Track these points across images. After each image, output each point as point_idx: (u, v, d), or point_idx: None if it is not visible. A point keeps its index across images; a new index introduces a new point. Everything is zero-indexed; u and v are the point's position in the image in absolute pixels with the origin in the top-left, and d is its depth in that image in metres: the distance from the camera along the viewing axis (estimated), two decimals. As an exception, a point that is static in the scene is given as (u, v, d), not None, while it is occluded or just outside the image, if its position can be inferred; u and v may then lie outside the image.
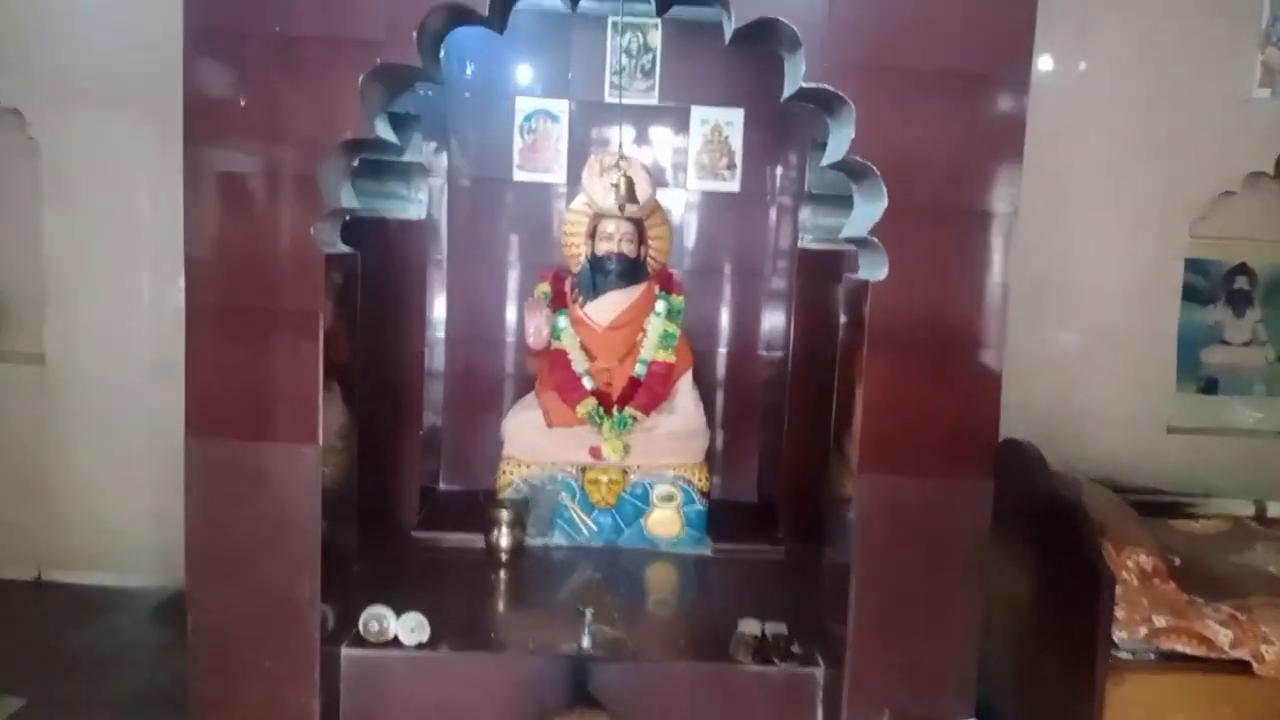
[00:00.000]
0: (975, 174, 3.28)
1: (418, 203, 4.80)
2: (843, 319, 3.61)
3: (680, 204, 5.41)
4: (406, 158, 4.67)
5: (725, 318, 5.53)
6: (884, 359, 3.35)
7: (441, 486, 5.42)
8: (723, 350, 5.53)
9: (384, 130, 3.44)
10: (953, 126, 3.24)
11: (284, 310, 3.35)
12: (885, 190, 3.22)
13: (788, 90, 3.41)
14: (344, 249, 3.54)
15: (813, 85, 3.22)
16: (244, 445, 3.35)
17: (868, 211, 3.40)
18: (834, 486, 3.60)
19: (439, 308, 5.34)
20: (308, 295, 3.33)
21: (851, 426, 3.42)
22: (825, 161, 3.48)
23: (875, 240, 3.31)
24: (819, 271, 4.76)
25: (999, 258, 3.35)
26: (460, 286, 5.39)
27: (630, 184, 4.44)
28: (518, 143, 5.33)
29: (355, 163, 3.53)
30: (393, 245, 4.79)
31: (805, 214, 4.81)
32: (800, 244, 4.80)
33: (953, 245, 3.35)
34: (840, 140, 3.38)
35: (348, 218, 3.55)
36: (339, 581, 3.58)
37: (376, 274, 4.26)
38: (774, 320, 5.36)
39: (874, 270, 3.39)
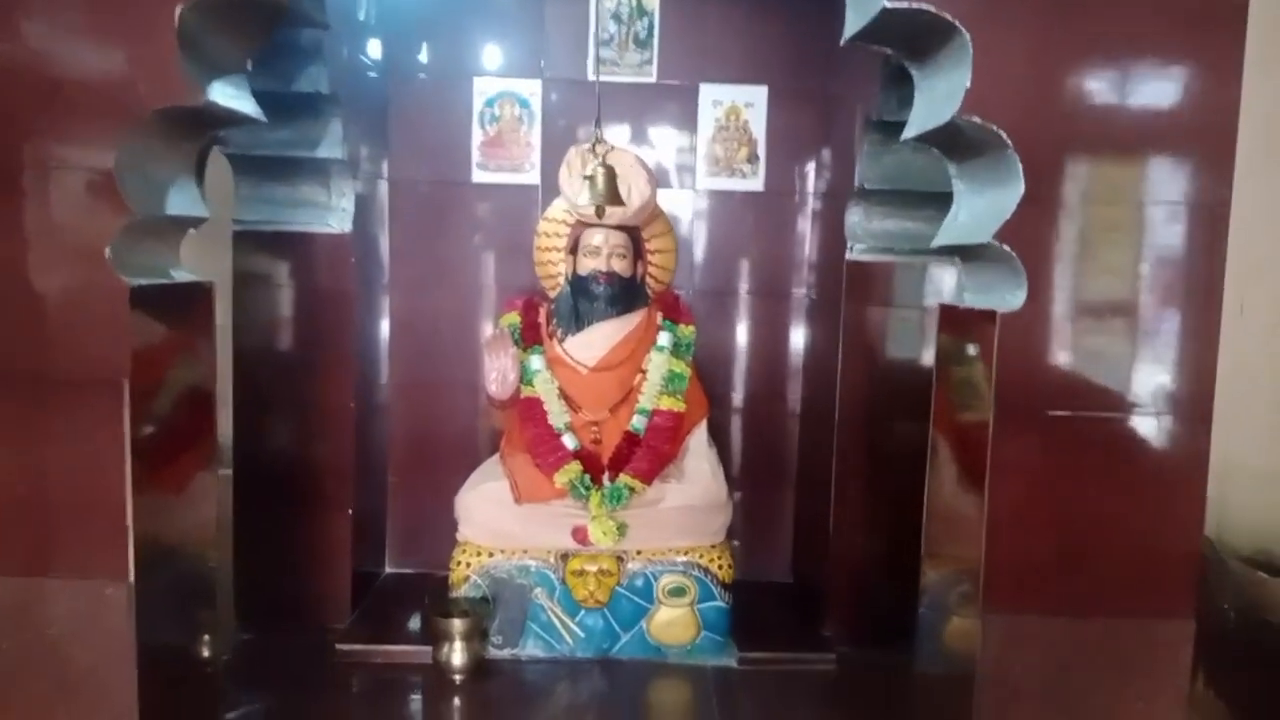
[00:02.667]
0: (1171, 143, 2.39)
1: (340, 212, 4.07)
2: (938, 368, 2.78)
3: (687, 209, 4.83)
4: (322, 153, 3.96)
5: (746, 353, 4.95)
6: (1023, 439, 2.44)
7: (388, 570, 4.87)
8: (738, 393, 4.96)
9: (232, 96, 2.47)
10: (1138, 67, 2.39)
11: (66, 378, 2.38)
12: (1020, 170, 2.30)
13: (851, 27, 2.62)
14: (186, 276, 2.65)
15: (902, 5, 2.31)
16: (14, 584, 2.47)
17: (984, 205, 2.49)
18: (935, 601, 2.86)
19: (381, 347, 4.76)
20: (105, 353, 2.36)
21: (953, 527, 2.67)
22: (911, 131, 2.64)
23: (1002, 249, 2.35)
24: (873, 292, 4.14)
25: (1208, 275, 2.40)
26: (407, 319, 4.82)
27: (611, 176, 3.58)
28: (477, 135, 4.73)
29: (196, 151, 2.64)
30: (310, 268, 4.12)
31: (855, 216, 4.09)
32: (849, 256, 4.11)
33: (1132, 256, 2.41)
34: (936, 98, 2.48)
35: (235, 230, 2.71)
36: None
37: (285, 306, 4.04)
38: (811, 355, 4.78)
39: (996, 296, 2.49)
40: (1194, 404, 2.45)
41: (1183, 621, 2.49)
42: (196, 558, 2.81)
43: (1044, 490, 2.45)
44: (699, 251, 4.85)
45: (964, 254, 2.57)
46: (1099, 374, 2.42)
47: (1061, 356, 2.41)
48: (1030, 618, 2.49)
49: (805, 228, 4.79)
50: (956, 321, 2.61)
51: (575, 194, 3.84)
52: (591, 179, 3.50)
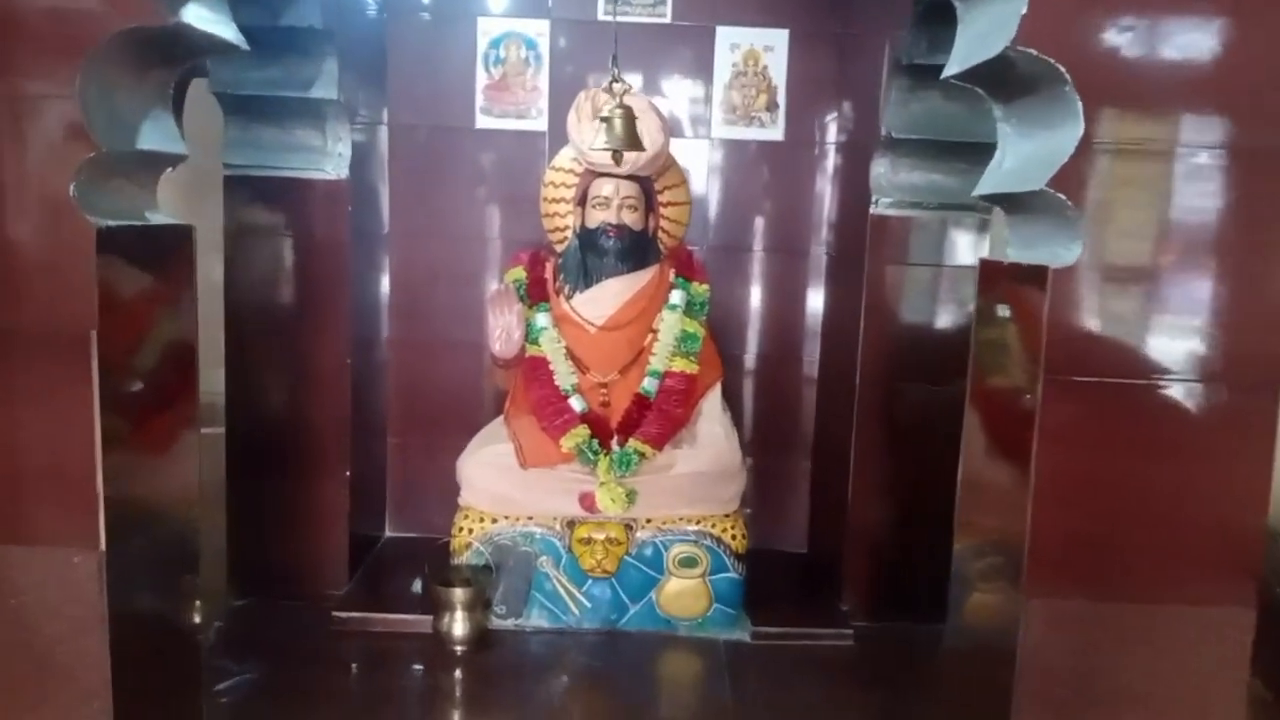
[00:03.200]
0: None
1: (337, 157, 3.90)
2: (977, 329, 2.54)
3: (702, 160, 4.65)
4: (316, 93, 3.77)
5: (762, 313, 4.79)
6: (1073, 407, 2.22)
7: (388, 534, 4.76)
8: (752, 354, 4.81)
9: (209, 20, 2.24)
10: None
11: (30, 332, 2.19)
12: (1079, 110, 2.08)
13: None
14: (163, 219, 2.41)
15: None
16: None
17: (1033, 150, 2.26)
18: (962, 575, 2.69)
19: (380, 303, 4.61)
20: (71, 303, 2.15)
21: (985, 499, 2.50)
22: (954, 68, 2.35)
23: (1056, 198, 2.12)
24: (898, 249, 3.97)
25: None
26: (406, 273, 4.65)
27: (629, 118, 3.40)
28: (481, 78, 4.53)
29: (172, 82, 2.40)
30: (305, 217, 3.95)
31: (880, 168, 3.92)
32: (873, 210, 3.95)
33: (1199, 209, 2.18)
34: (982, 30, 2.23)
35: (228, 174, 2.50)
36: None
37: (279, 257, 3.91)
38: (830, 316, 4.62)
39: (1045, 250, 2.26)
40: (1262, 369, 2.23)
41: (1243, 609, 2.30)
42: (180, 521, 2.62)
43: (1095, 463, 2.26)
44: (714, 205, 4.71)
45: (1009, 204, 2.35)
46: (1158, 337, 2.22)
47: (1116, 318, 2.20)
48: (1075, 601, 2.30)
49: (826, 181, 4.63)
50: (998, 278, 2.39)
51: (587, 139, 3.72)
52: (609, 121, 3.32)
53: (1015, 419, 2.31)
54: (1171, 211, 2.19)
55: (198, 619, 2.71)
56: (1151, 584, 2.28)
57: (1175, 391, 2.21)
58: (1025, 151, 2.27)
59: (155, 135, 2.32)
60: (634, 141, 3.40)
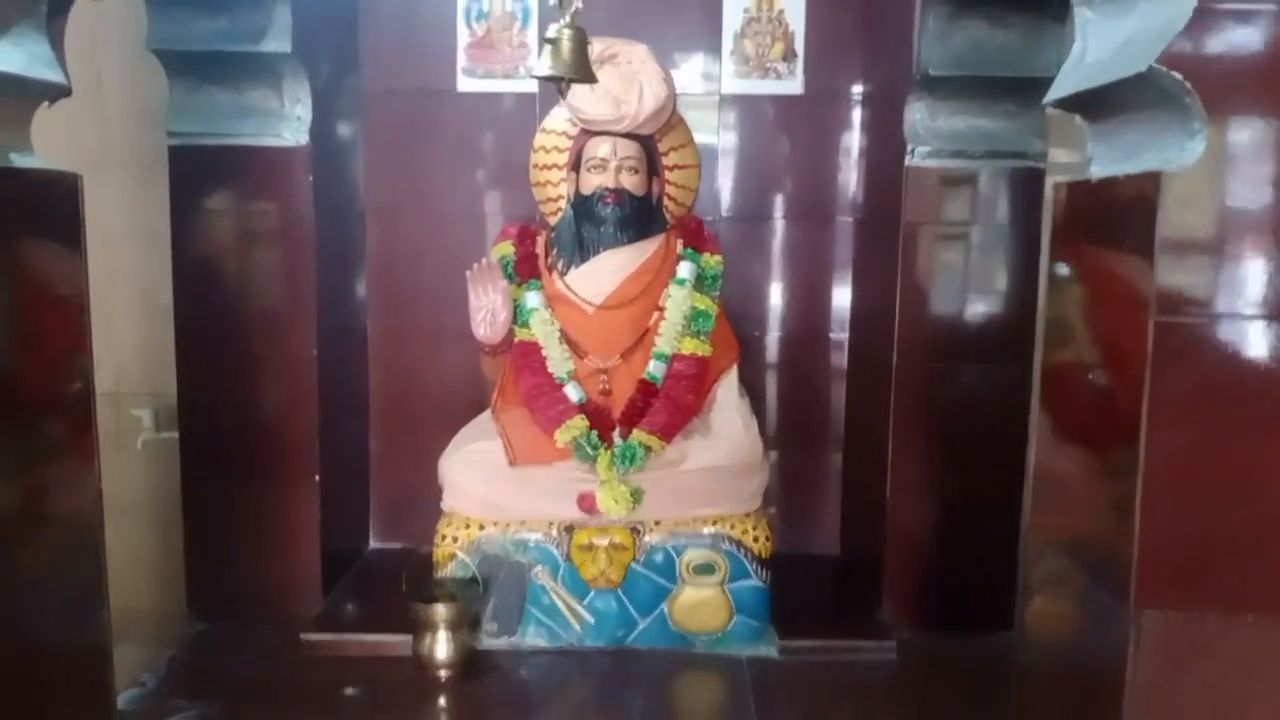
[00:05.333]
0: None
1: (295, 121, 3.63)
2: (1053, 285, 2.23)
3: (711, 118, 4.43)
4: (268, 47, 3.49)
5: (785, 286, 4.57)
6: (1195, 373, 1.83)
7: (372, 546, 4.56)
8: (785, 335, 4.58)
9: None
10: None
11: None
12: None
13: None
14: (33, 162, 2.05)
15: None
16: None
17: (1127, 32, 1.88)
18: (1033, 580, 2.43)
19: (355, 288, 4.40)
20: None
21: (1061, 493, 2.20)
22: None
23: (1168, 79, 1.73)
24: (940, 206, 3.75)
25: None
26: (385, 254, 4.46)
27: (580, 43, 3.07)
28: (463, 35, 4.34)
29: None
30: (262, 190, 3.71)
31: (916, 113, 3.70)
32: (909, 161, 3.72)
33: None
34: None
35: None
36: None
37: (233, 236, 3.68)
38: (862, 289, 4.41)
39: (1154, 154, 1.84)
40: None
41: None
42: (80, 540, 2.22)
43: (1224, 446, 1.88)
44: (726, 168, 4.48)
45: (1092, 109, 1.95)
46: None
47: (1255, 245, 1.77)
48: (1195, 614, 1.92)
49: (854, 137, 4.43)
50: (1082, 212, 1.97)
51: (584, 101, 3.58)
52: (554, 43, 2.93)
53: (1091, 398, 1.91)
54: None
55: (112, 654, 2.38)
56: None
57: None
58: (1116, 36, 1.89)
59: (18, 56, 1.92)
60: (585, 70, 3.06)
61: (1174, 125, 1.75)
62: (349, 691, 3.30)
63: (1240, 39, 1.78)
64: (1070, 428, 2.20)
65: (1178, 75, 1.67)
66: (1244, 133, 1.78)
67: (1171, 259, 1.76)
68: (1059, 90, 1.99)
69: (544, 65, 3.00)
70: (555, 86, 3.10)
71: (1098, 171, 1.96)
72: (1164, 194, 1.74)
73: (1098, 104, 1.93)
